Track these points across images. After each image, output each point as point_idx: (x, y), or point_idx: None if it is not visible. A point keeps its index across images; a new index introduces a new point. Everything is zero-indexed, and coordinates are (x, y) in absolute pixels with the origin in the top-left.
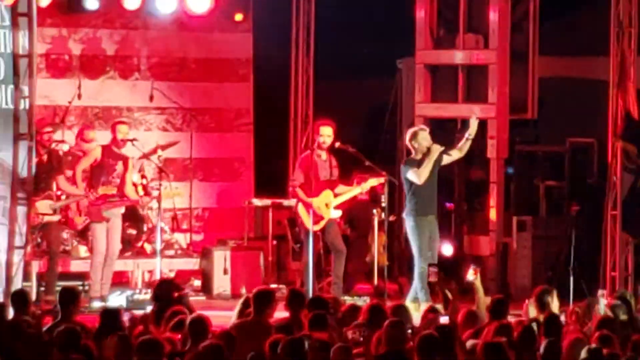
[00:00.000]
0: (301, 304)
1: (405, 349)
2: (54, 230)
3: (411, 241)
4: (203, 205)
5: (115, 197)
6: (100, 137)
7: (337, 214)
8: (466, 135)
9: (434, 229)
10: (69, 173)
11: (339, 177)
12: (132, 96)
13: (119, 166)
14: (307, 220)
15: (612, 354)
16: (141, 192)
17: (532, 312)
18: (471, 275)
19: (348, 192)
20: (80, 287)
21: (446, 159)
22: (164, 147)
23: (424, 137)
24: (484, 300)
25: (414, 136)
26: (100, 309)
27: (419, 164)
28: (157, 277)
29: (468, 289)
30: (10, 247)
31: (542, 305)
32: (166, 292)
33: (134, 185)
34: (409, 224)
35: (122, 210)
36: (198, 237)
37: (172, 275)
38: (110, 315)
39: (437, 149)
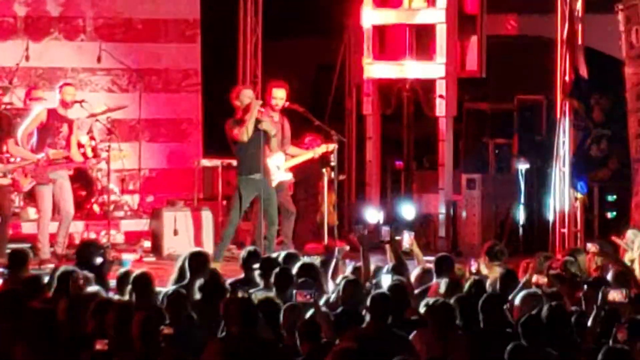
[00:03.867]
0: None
1: (361, 308)
2: (4, 193)
3: (232, 199)
4: (151, 166)
5: (62, 159)
6: (47, 97)
7: (288, 176)
8: None
9: (266, 188)
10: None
11: (291, 138)
12: (78, 57)
13: (64, 128)
14: None
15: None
16: (90, 154)
17: (483, 268)
18: (407, 242)
19: (300, 156)
20: (29, 250)
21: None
22: (112, 110)
23: (245, 94)
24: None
25: (237, 95)
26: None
27: (241, 122)
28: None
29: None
30: None
31: (493, 259)
32: (88, 255)
33: (83, 146)
34: (237, 183)
35: (70, 172)
36: (147, 199)
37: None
38: (64, 277)
39: (257, 103)
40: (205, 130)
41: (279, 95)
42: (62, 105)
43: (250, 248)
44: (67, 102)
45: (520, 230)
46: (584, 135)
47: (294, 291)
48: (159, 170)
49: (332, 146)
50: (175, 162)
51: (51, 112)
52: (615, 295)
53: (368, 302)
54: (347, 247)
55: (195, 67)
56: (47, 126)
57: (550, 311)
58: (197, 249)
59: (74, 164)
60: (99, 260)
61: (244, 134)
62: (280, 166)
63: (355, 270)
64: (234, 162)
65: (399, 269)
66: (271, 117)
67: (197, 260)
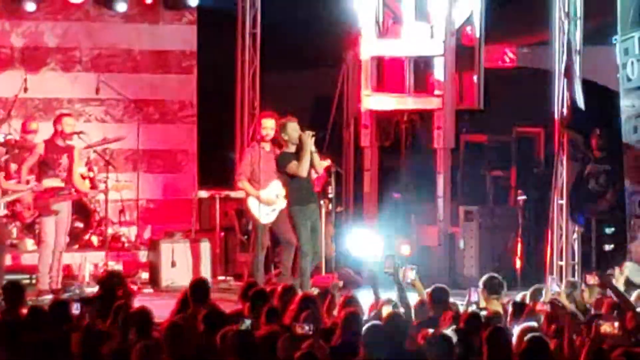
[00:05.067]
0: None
1: (360, 341)
2: (1, 224)
3: (296, 233)
4: (147, 197)
5: (65, 190)
6: (42, 128)
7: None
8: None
9: (316, 219)
10: (14, 167)
11: None
12: (74, 88)
13: (64, 159)
14: (257, 212)
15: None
16: (88, 185)
17: (482, 301)
18: (410, 276)
19: None
20: (27, 281)
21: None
22: (110, 141)
23: (293, 127)
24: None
25: (283, 128)
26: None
27: (295, 156)
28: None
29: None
30: None
31: (492, 292)
32: (112, 286)
33: (82, 177)
34: (292, 215)
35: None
36: (144, 234)
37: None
38: (60, 308)
39: (308, 135)
40: (201, 162)
41: (269, 125)
42: (60, 136)
43: (251, 280)
44: (67, 133)
45: (518, 262)
46: (583, 166)
47: (293, 324)
48: (156, 201)
49: (327, 162)
50: (171, 193)
51: (48, 145)
52: (607, 327)
53: (362, 334)
54: (341, 283)
55: (191, 98)
56: (46, 159)
57: (530, 342)
58: (198, 277)
59: (77, 194)
60: (120, 291)
61: (304, 169)
62: (279, 194)
63: (350, 300)
64: (232, 194)
65: (400, 299)
66: (263, 148)
67: (200, 289)
